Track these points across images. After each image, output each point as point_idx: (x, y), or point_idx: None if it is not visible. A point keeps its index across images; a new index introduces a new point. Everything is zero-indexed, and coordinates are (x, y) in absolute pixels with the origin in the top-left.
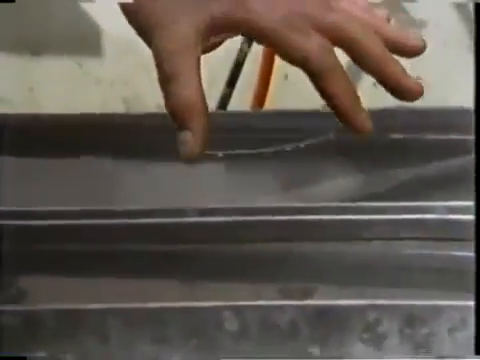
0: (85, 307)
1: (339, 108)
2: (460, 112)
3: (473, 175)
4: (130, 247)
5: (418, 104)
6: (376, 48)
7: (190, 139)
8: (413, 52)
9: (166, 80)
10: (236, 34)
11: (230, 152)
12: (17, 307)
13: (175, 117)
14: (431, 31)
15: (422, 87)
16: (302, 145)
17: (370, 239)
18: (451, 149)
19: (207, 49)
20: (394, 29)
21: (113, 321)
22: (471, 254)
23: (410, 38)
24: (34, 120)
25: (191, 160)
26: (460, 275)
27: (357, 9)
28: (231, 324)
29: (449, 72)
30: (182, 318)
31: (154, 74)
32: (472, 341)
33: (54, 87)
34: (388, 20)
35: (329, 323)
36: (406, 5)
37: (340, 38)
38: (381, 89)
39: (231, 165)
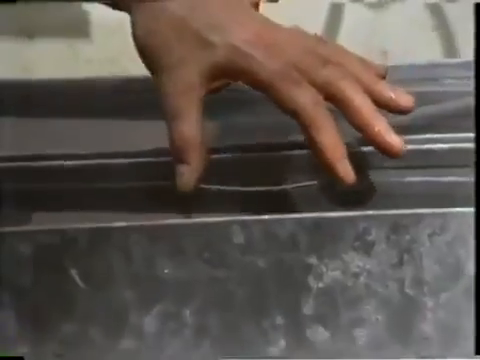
0: (110, 225)
1: (323, 158)
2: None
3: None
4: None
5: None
6: (365, 108)
7: (186, 172)
8: (404, 112)
9: (170, 117)
10: (237, 80)
11: (225, 188)
12: (48, 227)
13: (174, 151)
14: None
15: (404, 144)
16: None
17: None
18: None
19: (210, 92)
20: (386, 88)
21: (136, 237)
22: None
23: (402, 99)
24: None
25: (186, 192)
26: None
27: (351, 62)
28: (238, 237)
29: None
30: (195, 233)
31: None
32: (450, 246)
33: (46, 67)
34: (383, 74)
35: (324, 234)
36: None
37: (332, 94)
38: None
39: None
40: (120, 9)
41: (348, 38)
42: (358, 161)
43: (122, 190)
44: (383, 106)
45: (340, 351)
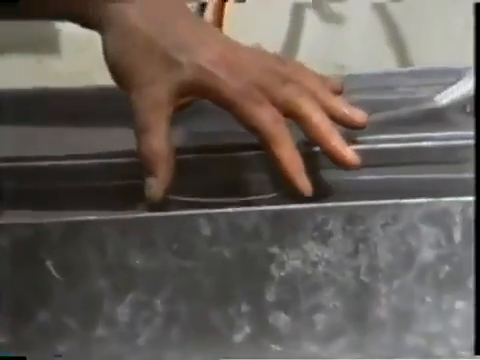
0: (84, 219)
1: (283, 172)
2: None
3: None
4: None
5: None
6: (322, 124)
7: (154, 184)
8: (357, 127)
9: (139, 131)
10: (202, 98)
11: (190, 199)
12: (28, 220)
13: (143, 163)
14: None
15: (358, 158)
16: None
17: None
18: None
19: (177, 108)
20: (341, 104)
21: (108, 230)
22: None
23: (355, 116)
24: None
25: (154, 202)
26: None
27: (308, 80)
28: (205, 229)
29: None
30: (164, 226)
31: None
32: (402, 235)
33: (16, 82)
34: (340, 89)
35: (285, 225)
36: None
37: (291, 112)
38: None
39: None
40: (91, 28)
41: (307, 54)
42: (315, 160)
43: (94, 188)
44: (338, 121)
45: (301, 336)
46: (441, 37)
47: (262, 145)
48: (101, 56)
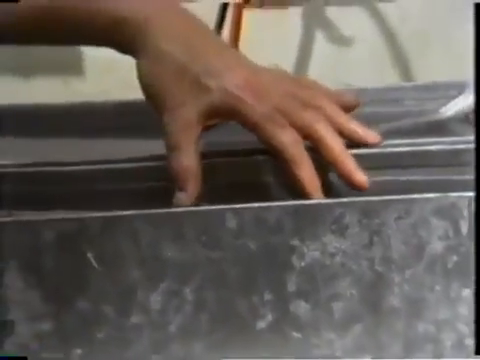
0: (120, 214)
1: (302, 190)
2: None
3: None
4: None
5: None
6: (337, 148)
7: (183, 198)
8: (371, 145)
9: (171, 149)
10: (229, 120)
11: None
12: (69, 215)
13: (174, 179)
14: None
15: (367, 181)
16: None
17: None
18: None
19: (206, 129)
20: (357, 128)
21: (142, 224)
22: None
23: (369, 138)
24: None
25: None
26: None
27: (326, 104)
28: (231, 223)
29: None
30: (194, 220)
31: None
32: (414, 228)
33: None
34: (355, 106)
35: (306, 219)
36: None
37: (309, 135)
38: None
39: None
40: (126, 53)
41: (316, 72)
42: None
43: (122, 191)
44: (354, 143)
45: (320, 323)
46: (442, 57)
47: (283, 164)
48: (122, 77)
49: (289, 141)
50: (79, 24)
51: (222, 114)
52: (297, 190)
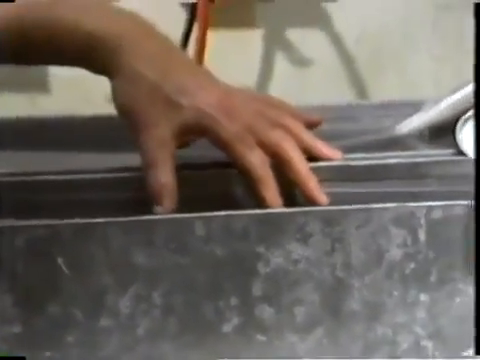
0: (92, 221)
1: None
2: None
3: None
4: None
5: None
6: (303, 170)
7: (161, 212)
8: (327, 159)
9: (147, 166)
10: (201, 137)
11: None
12: (40, 222)
13: (152, 195)
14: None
15: (327, 200)
16: None
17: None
18: None
19: (181, 145)
20: (322, 147)
21: (113, 230)
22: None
23: (334, 156)
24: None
25: None
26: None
27: (292, 124)
28: (200, 230)
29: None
30: (164, 227)
31: (94, 104)
32: (373, 236)
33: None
34: (318, 122)
35: (271, 227)
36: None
37: (277, 154)
38: None
39: None
40: (100, 74)
41: (277, 92)
42: None
43: (96, 200)
44: (319, 159)
45: (283, 326)
46: (395, 79)
47: (250, 183)
48: (86, 94)
49: (257, 162)
50: (57, 40)
51: (195, 131)
52: (261, 207)
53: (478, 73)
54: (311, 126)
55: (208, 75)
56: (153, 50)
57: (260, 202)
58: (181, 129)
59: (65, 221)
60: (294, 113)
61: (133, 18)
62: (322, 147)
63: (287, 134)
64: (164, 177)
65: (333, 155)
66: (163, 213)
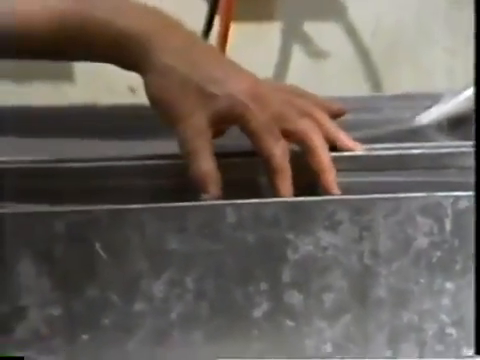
0: (128, 207)
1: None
2: None
3: None
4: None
5: None
6: (325, 159)
7: (208, 199)
8: (349, 150)
9: (188, 156)
10: (233, 125)
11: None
12: (79, 208)
13: (196, 184)
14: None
15: (340, 192)
16: None
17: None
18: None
19: (216, 134)
20: (345, 138)
21: (148, 216)
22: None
23: (356, 148)
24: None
25: None
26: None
27: (319, 113)
28: (231, 217)
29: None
30: (197, 214)
31: (116, 93)
32: (401, 225)
33: None
34: (342, 113)
35: (301, 215)
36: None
37: (303, 142)
38: None
39: None
40: (132, 70)
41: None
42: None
43: (130, 187)
44: (342, 150)
45: (311, 312)
46: (410, 73)
47: (268, 171)
48: (109, 84)
49: (279, 154)
50: (89, 38)
51: (228, 119)
52: (260, 185)
53: (478, 70)
54: (335, 116)
55: (235, 65)
56: (180, 44)
57: (274, 190)
58: (215, 117)
59: (103, 207)
60: (319, 103)
61: (158, 14)
62: (344, 138)
63: (313, 123)
64: (205, 165)
65: (354, 147)
66: (210, 200)
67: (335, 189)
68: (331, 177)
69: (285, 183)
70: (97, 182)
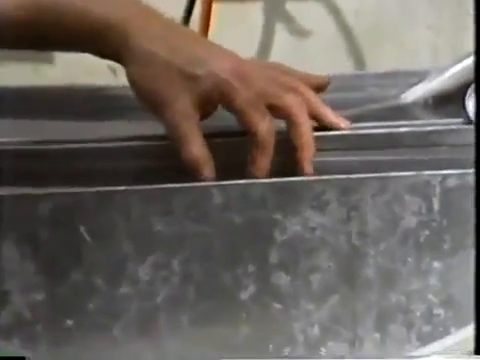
0: (113, 189)
1: (251, 168)
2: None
3: None
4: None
5: None
6: (306, 135)
7: (205, 179)
8: (340, 129)
9: (178, 141)
10: (218, 104)
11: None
12: (63, 190)
13: (190, 168)
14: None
15: (312, 170)
16: None
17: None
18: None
19: (203, 116)
20: (329, 113)
21: (134, 198)
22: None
23: (339, 121)
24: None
25: None
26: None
27: (304, 88)
28: (217, 199)
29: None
30: (183, 195)
31: (96, 74)
32: (388, 204)
33: None
34: (326, 85)
35: (288, 195)
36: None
37: (286, 116)
38: None
39: None
40: (112, 60)
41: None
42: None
43: (115, 169)
44: (326, 125)
45: (299, 294)
46: (393, 51)
47: (252, 146)
48: (88, 64)
49: (265, 129)
50: (67, 26)
51: (214, 99)
52: (246, 165)
53: (478, 67)
54: (320, 89)
55: (216, 45)
56: (159, 29)
57: (249, 164)
58: (201, 98)
59: (87, 189)
60: (304, 78)
61: (135, 2)
62: (329, 114)
63: (298, 99)
64: (196, 148)
65: (340, 122)
66: (207, 180)
67: (308, 168)
68: (307, 154)
69: (263, 159)
70: (81, 164)
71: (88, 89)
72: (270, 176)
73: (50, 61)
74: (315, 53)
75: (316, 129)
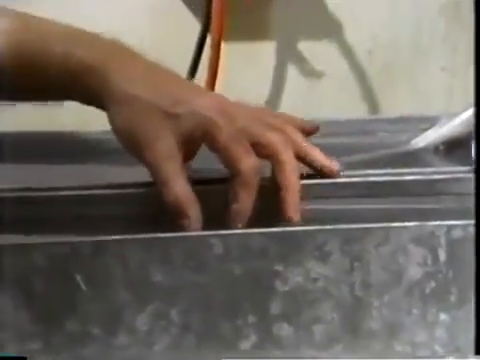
0: (110, 238)
1: (231, 214)
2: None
3: None
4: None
5: None
6: (291, 176)
7: (188, 224)
8: (331, 176)
9: (161, 183)
10: (200, 142)
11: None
12: (59, 239)
13: (174, 210)
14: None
15: (299, 216)
16: None
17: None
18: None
19: (187, 157)
20: (318, 153)
21: (131, 247)
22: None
23: (330, 164)
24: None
25: None
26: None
27: (289, 129)
28: (217, 248)
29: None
30: (181, 244)
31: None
32: (393, 255)
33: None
34: (314, 131)
35: (289, 245)
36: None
37: (271, 156)
38: None
39: None
40: (94, 106)
41: (288, 106)
42: (317, 191)
43: (112, 216)
44: (314, 169)
45: (301, 344)
46: (407, 93)
47: (235, 185)
48: (98, 110)
49: (250, 167)
50: (42, 68)
51: (196, 136)
52: (227, 205)
53: (478, 71)
54: (308, 134)
55: (198, 87)
56: (140, 70)
57: (231, 200)
58: (183, 137)
59: (84, 238)
60: (290, 120)
61: (114, 43)
62: (320, 156)
63: (284, 137)
64: (180, 188)
65: (332, 165)
66: (191, 224)
67: (292, 212)
68: (291, 198)
69: (246, 197)
70: (79, 210)
71: (74, 134)
72: (252, 218)
73: (61, 106)
74: (328, 95)
75: (311, 176)
